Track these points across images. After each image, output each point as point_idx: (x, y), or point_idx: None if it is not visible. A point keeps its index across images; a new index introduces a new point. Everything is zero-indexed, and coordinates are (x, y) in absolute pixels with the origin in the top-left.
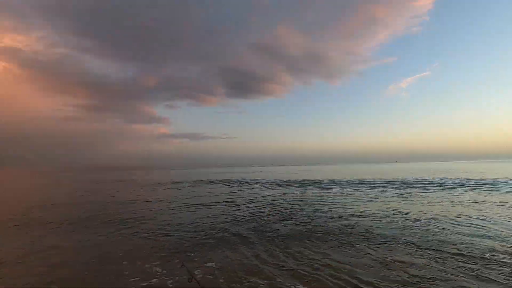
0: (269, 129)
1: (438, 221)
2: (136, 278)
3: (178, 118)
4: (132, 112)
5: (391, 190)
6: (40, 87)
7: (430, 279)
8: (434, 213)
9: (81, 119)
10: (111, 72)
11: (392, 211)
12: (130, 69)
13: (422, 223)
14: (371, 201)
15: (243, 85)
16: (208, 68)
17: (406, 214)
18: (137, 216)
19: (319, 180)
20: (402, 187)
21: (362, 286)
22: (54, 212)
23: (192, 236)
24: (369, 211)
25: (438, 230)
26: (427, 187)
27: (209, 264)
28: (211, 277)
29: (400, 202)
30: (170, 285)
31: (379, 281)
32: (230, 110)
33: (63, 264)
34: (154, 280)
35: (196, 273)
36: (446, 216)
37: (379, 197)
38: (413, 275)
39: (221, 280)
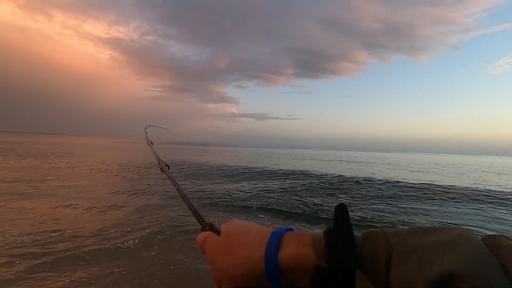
0: (336, 111)
1: None
2: None
3: (246, 98)
4: (206, 92)
5: None
6: (136, 71)
7: None
8: None
9: (165, 99)
10: (189, 56)
11: None
12: (205, 51)
13: None
14: None
15: (311, 64)
16: (276, 48)
17: None
18: None
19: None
20: None
21: None
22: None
23: None
24: None
25: None
26: None
27: None
28: None
29: None
30: None
31: None
32: (296, 90)
33: None
34: None
35: None
36: None
37: None
38: None
39: None
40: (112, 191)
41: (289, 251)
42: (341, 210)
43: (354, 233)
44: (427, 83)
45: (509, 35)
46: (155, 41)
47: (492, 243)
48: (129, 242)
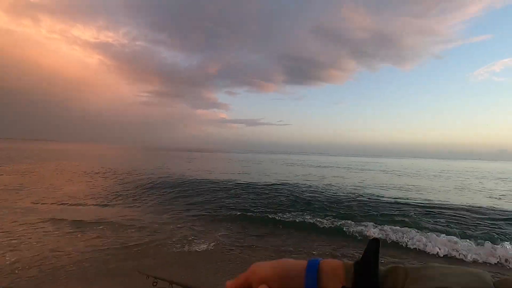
0: (325, 117)
1: None
2: None
3: (236, 104)
4: (196, 98)
5: None
6: (125, 76)
7: None
8: None
9: (154, 104)
10: (179, 61)
11: None
12: (196, 57)
13: None
14: None
15: (301, 71)
16: (267, 55)
17: None
18: None
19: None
20: None
21: None
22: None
23: None
24: None
25: None
26: None
27: None
28: None
29: None
30: None
31: None
32: (287, 97)
33: None
34: None
35: None
36: None
37: None
38: None
39: None
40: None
41: (326, 282)
42: (373, 244)
43: (380, 267)
44: (412, 91)
45: (486, 46)
46: (145, 46)
47: (505, 284)
48: None
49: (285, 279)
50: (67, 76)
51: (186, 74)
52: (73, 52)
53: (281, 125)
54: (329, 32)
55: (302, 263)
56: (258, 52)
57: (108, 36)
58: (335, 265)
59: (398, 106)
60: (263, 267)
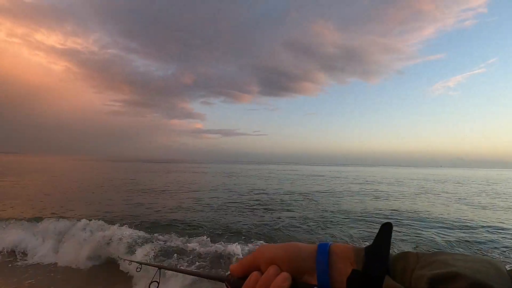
0: (300, 128)
1: None
2: None
3: (212, 115)
4: (171, 108)
5: None
6: (93, 84)
7: None
8: None
9: (125, 114)
10: (153, 70)
11: None
12: (170, 67)
13: None
14: None
15: (276, 83)
16: (243, 67)
17: None
18: None
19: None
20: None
21: None
22: None
23: None
24: None
25: None
26: None
27: None
28: None
29: None
30: None
31: None
32: (262, 108)
33: None
34: None
35: None
36: None
37: None
38: None
39: None
40: None
41: (337, 266)
42: (385, 228)
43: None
44: (378, 103)
45: (441, 64)
46: (116, 54)
47: None
48: None
49: (295, 261)
50: (28, 83)
51: (160, 83)
52: (36, 57)
53: (257, 135)
54: (301, 46)
55: (312, 246)
56: (234, 63)
57: (76, 43)
58: (345, 248)
59: (366, 117)
60: (272, 248)
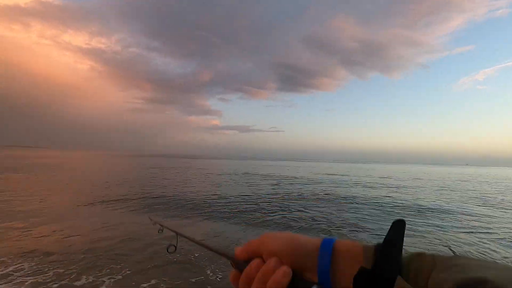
0: (317, 124)
1: None
2: None
3: (229, 111)
4: (189, 105)
5: None
6: (116, 82)
7: None
8: None
9: (146, 111)
10: (173, 68)
11: None
12: (189, 65)
13: None
14: None
15: (293, 79)
16: (260, 63)
17: None
18: None
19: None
20: None
21: None
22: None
23: None
24: None
25: None
26: None
27: None
28: None
29: None
30: None
31: None
32: (279, 104)
33: None
34: None
35: None
36: None
37: None
38: None
39: None
40: None
41: (342, 263)
42: (398, 225)
43: (405, 251)
44: (400, 99)
45: (469, 56)
46: (138, 53)
47: None
48: None
49: (297, 255)
50: (57, 82)
51: (179, 81)
52: (64, 57)
53: (273, 131)
54: (320, 41)
55: (315, 241)
56: (251, 60)
57: (100, 42)
58: (352, 245)
59: (387, 113)
60: (275, 240)
